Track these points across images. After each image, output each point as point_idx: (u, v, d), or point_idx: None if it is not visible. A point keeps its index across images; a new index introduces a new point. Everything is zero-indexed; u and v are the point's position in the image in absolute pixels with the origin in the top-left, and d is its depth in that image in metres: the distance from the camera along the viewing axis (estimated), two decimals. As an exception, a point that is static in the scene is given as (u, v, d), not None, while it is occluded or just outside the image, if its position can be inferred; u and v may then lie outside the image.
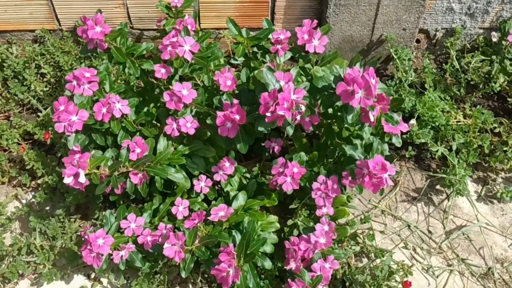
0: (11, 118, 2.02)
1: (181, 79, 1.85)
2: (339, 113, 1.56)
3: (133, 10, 2.16)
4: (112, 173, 1.42)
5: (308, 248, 1.51)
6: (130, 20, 2.20)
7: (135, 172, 1.47)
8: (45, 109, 2.06)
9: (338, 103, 1.46)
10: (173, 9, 1.82)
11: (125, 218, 1.49)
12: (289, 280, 1.46)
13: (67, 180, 1.37)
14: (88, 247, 1.39)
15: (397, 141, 1.66)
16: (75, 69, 2.12)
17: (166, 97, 1.55)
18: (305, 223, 1.64)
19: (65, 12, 2.15)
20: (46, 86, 2.13)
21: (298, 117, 1.43)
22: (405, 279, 1.65)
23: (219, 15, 2.18)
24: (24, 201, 1.87)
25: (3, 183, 1.91)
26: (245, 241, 1.43)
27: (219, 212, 1.52)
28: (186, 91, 1.55)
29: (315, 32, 1.68)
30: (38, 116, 2.11)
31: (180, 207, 1.61)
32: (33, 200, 1.84)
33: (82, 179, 1.38)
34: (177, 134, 1.58)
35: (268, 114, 1.39)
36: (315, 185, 1.58)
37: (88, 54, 2.14)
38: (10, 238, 1.77)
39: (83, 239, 1.73)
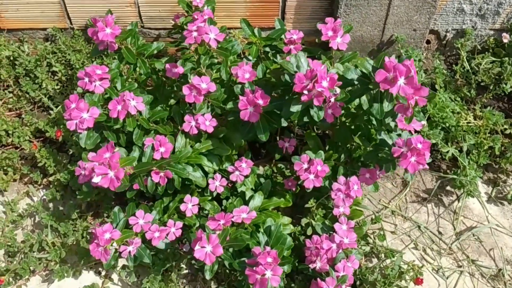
0: (22, 116, 2.04)
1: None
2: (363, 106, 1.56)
3: (144, 9, 2.16)
4: (139, 173, 1.43)
5: (331, 247, 1.51)
6: (141, 19, 2.20)
7: (157, 171, 1.48)
8: (57, 107, 2.07)
9: (365, 97, 1.46)
10: (193, 8, 1.83)
11: (134, 214, 1.49)
12: (318, 279, 1.46)
13: (96, 180, 1.37)
14: (96, 241, 1.40)
15: (407, 135, 1.66)
16: (87, 67, 2.13)
17: (185, 90, 1.56)
18: (321, 223, 1.64)
19: (76, 10, 2.16)
20: (57, 84, 2.14)
21: (332, 99, 1.43)
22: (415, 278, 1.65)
23: (229, 15, 2.19)
24: (35, 198, 1.88)
25: (14, 180, 1.92)
26: (278, 244, 1.44)
27: (242, 213, 1.52)
28: (205, 84, 1.56)
29: (339, 29, 1.69)
30: (50, 114, 2.12)
31: (189, 205, 1.61)
32: (45, 197, 1.85)
33: (115, 181, 1.38)
34: (195, 132, 1.59)
35: (305, 92, 1.40)
36: (335, 185, 1.58)
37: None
38: (21, 235, 1.78)
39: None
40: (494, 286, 1.73)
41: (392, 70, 1.35)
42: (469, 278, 1.75)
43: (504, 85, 2.07)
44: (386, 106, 1.41)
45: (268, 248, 1.39)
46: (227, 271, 1.67)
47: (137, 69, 1.75)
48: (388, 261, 1.74)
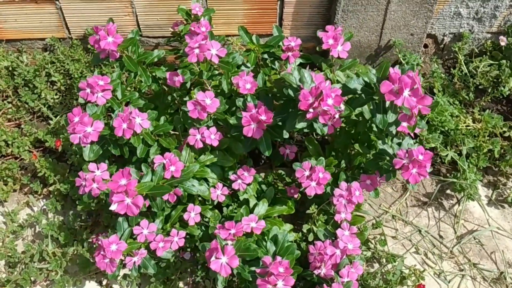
0: (22, 126, 2.04)
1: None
2: (363, 115, 1.57)
3: (142, 18, 2.17)
4: (152, 195, 1.43)
5: (334, 253, 1.51)
6: (139, 28, 2.21)
7: None
8: (56, 116, 2.08)
9: (366, 106, 1.47)
10: (193, 16, 1.84)
11: (138, 224, 1.49)
12: (324, 285, 1.46)
13: (113, 207, 1.37)
14: (102, 252, 1.39)
15: (408, 143, 1.67)
16: (86, 76, 2.14)
17: (190, 106, 1.56)
18: (323, 229, 1.64)
19: (75, 20, 2.16)
20: (56, 94, 2.14)
21: (337, 116, 1.44)
22: (417, 283, 1.65)
23: (227, 22, 2.20)
24: (36, 209, 1.88)
25: (14, 190, 1.92)
26: (287, 253, 1.45)
27: (251, 223, 1.52)
28: (209, 100, 1.56)
29: (340, 37, 1.69)
30: (49, 124, 2.12)
31: (192, 213, 1.61)
32: (45, 207, 1.85)
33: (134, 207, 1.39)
34: (201, 145, 1.59)
35: (310, 110, 1.40)
36: (337, 191, 1.58)
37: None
38: (22, 245, 1.78)
39: (95, 245, 1.75)
40: (496, 289, 1.74)
41: (397, 81, 1.36)
42: (470, 282, 1.75)
43: (503, 88, 2.08)
44: (391, 117, 1.41)
45: (279, 258, 1.39)
46: (232, 279, 1.66)
47: (138, 77, 1.75)
48: (389, 266, 1.74)
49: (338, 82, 1.65)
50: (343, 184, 1.61)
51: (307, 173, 1.59)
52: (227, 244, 1.40)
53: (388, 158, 1.60)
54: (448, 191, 1.97)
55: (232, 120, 1.57)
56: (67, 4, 2.10)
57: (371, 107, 1.52)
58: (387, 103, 1.45)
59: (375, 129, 1.64)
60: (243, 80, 1.64)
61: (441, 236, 1.86)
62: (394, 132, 1.61)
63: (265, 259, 1.42)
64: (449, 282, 1.74)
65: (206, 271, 1.70)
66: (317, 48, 1.72)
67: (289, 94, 1.50)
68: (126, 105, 1.73)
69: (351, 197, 1.59)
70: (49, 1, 2.09)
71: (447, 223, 1.89)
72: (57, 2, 2.10)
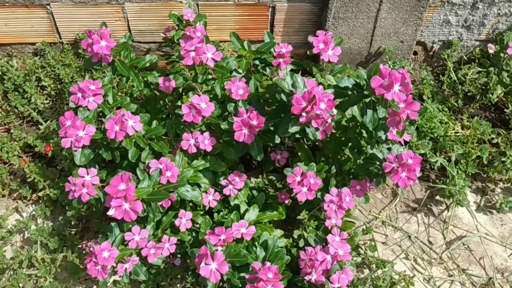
0: (11, 131, 2.02)
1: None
2: (354, 120, 1.58)
3: (134, 23, 2.17)
4: (148, 200, 1.43)
5: (325, 259, 1.52)
6: (130, 33, 2.21)
7: None
8: (46, 121, 2.07)
9: (356, 107, 1.48)
10: (184, 22, 1.84)
11: (129, 230, 1.49)
12: None
13: (111, 212, 1.37)
14: (93, 259, 1.38)
15: (397, 149, 1.68)
16: (76, 81, 2.13)
17: (184, 109, 1.56)
18: (313, 235, 1.65)
19: (66, 25, 2.16)
20: (46, 99, 2.13)
21: (329, 120, 1.45)
22: (408, 289, 1.66)
23: (218, 28, 2.20)
24: (24, 214, 1.86)
25: (3, 196, 1.91)
26: (277, 259, 1.46)
27: (241, 228, 1.52)
28: (204, 104, 1.56)
29: (330, 41, 1.71)
30: (39, 129, 2.11)
31: (183, 220, 1.61)
32: (34, 212, 1.83)
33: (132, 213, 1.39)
34: (194, 150, 1.59)
35: (303, 114, 1.41)
36: (327, 197, 1.59)
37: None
38: (11, 251, 1.76)
39: (84, 251, 1.74)
40: (485, 295, 1.75)
41: (387, 76, 1.37)
42: (459, 287, 1.76)
43: (491, 95, 2.10)
44: (381, 112, 1.43)
45: (268, 264, 1.39)
46: (222, 285, 1.66)
47: (129, 82, 1.75)
48: (379, 271, 1.75)
49: (329, 86, 1.65)
50: (334, 190, 1.61)
51: (298, 178, 1.60)
52: (217, 250, 1.40)
53: (378, 162, 1.61)
54: (437, 197, 1.98)
55: (224, 125, 1.57)
56: (58, 9, 2.10)
57: (361, 106, 1.54)
58: (377, 100, 1.47)
59: (365, 134, 1.65)
60: (235, 86, 1.65)
61: (430, 242, 1.87)
62: (383, 137, 1.63)
63: (254, 265, 1.42)
64: (438, 288, 1.75)
65: (196, 277, 1.69)
66: (308, 53, 1.74)
67: (282, 99, 1.51)
68: (118, 109, 1.73)
69: (342, 203, 1.60)
70: (40, 6, 2.08)
71: (436, 229, 1.90)
72: (48, 6, 2.09)
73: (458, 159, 1.98)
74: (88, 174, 1.58)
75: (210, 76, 1.77)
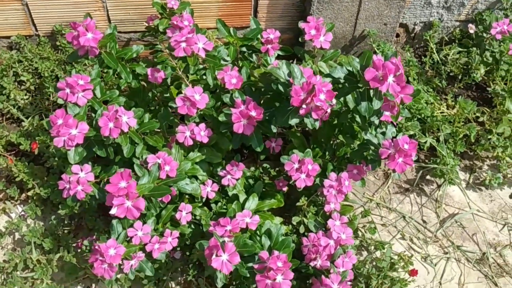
0: (-8, 129, 1.94)
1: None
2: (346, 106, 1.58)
3: (114, 12, 2.11)
4: (149, 196, 1.39)
5: (328, 244, 1.52)
6: (110, 23, 2.14)
7: None
8: (27, 118, 1.99)
9: (351, 96, 1.48)
10: (168, 10, 1.79)
11: (131, 226, 1.45)
12: (322, 277, 1.46)
13: (113, 211, 1.32)
14: (100, 258, 1.34)
15: (391, 131, 1.69)
16: (57, 75, 2.06)
17: (178, 102, 1.52)
18: (313, 220, 1.65)
19: (42, 17, 2.07)
20: (26, 94, 2.05)
21: (329, 110, 1.44)
22: (407, 269, 1.69)
23: (202, 15, 2.16)
24: (13, 215, 1.80)
25: (-12, 197, 1.83)
26: (283, 247, 1.45)
27: (245, 218, 1.50)
28: (198, 96, 1.53)
29: (321, 27, 1.69)
30: (20, 126, 2.03)
31: (184, 212, 1.58)
32: (23, 213, 1.77)
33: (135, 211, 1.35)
34: (191, 143, 1.55)
35: (304, 106, 1.39)
36: (327, 182, 1.59)
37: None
38: (1, 254, 1.70)
39: (79, 250, 1.69)
40: (480, 269, 1.79)
41: (381, 68, 1.37)
42: (455, 264, 1.80)
43: (475, 75, 2.14)
44: (376, 104, 1.43)
45: (276, 252, 1.38)
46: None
47: (117, 74, 1.70)
48: (377, 253, 1.77)
49: (321, 73, 1.65)
50: (333, 175, 1.62)
51: (296, 165, 1.59)
52: (224, 241, 1.38)
53: (373, 147, 1.62)
54: (428, 177, 2.02)
55: (221, 117, 1.54)
56: (34, 0, 2.01)
57: (355, 96, 1.53)
58: (371, 91, 1.47)
59: (358, 119, 1.65)
60: (228, 75, 1.62)
61: (424, 221, 1.90)
62: (377, 122, 1.64)
63: (262, 254, 1.41)
64: (435, 266, 1.79)
65: (198, 270, 1.67)
66: (300, 39, 1.72)
67: (278, 89, 1.49)
68: (105, 103, 1.68)
69: (341, 187, 1.60)
70: (14, -3, 1.99)
71: (429, 208, 1.94)
72: (22, -2, 2.00)
73: (446, 139, 2.02)
74: (82, 171, 1.54)
75: (201, 66, 1.74)
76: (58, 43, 2.13)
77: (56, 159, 1.77)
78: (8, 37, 2.12)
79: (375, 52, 2.28)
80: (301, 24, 1.70)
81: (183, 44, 1.51)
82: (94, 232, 1.74)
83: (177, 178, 1.45)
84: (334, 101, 1.46)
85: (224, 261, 1.34)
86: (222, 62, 1.87)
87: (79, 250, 1.70)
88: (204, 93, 1.56)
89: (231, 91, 1.63)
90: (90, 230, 1.75)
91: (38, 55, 2.09)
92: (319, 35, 1.68)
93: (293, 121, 1.44)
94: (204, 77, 1.78)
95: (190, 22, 1.67)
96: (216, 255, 1.33)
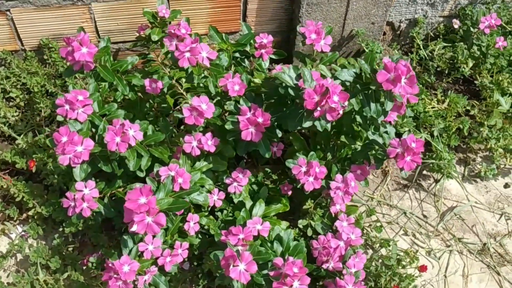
0: (-16, 149, 1.89)
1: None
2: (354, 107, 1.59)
3: (102, 23, 2.07)
4: (166, 210, 1.37)
5: (338, 245, 1.53)
6: (98, 34, 2.11)
7: None
8: (19, 135, 1.94)
9: (355, 98, 1.49)
10: (159, 19, 1.77)
11: (141, 240, 1.43)
12: (337, 279, 1.47)
13: (134, 228, 1.30)
14: (115, 275, 1.32)
15: (393, 131, 1.71)
16: (48, 90, 2.02)
17: (186, 112, 1.51)
18: (319, 222, 1.66)
19: (28, 31, 2.03)
20: (15, 111, 2.00)
21: (341, 112, 1.44)
22: (413, 264, 1.71)
23: (192, 22, 2.13)
24: (13, 236, 1.75)
25: (-15, 219, 1.78)
26: (296, 252, 1.46)
27: (256, 225, 1.50)
28: (205, 105, 1.52)
29: (321, 31, 1.70)
30: (11, 144, 1.99)
31: (191, 223, 1.57)
32: (23, 233, 1.73)
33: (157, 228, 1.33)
34: (198, 153, 1.54)
35: (318, 108, 1.40)
36: (333, 184, 1.60)
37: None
38: (5, 277, 1.66)
39: (84, 267, 1.66)
40: (482, 260, 1.83)
41: (392, 70, 1.39)
42: (458, 256, 1.84)
43: (463, 69, 2.18)
44: (388, 105, 1.45)
45: (291, 258, 1.39)
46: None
47: (114, 87, 1.68)
48: (382, 250, 1.79)
49: (323, 76, 1.65)
50: (339, 176, 1.63)
51: (303, 169, 1.60)
52: (238, 250, 1.38)
53: (377, 147, 1.64)
54: (425, 172, 2.05)
55: (228, 125, 1.53)
56: (19, 14, 1.97)
57: (360, 98, 1.55)
58: (381, 93, 1.49)
59: (359, 119, 1.67)
60: (231, 82, 1.62)
61: (425, 216, 1.93)
62: (379, 122, 1.66)
63: (276, 261, 1.41)
64: (439, 259, 1.82)
65: (208, 279, 1.67)
66: (301, 43, 1.73)
67: (287, 93, 1.49)
68: (103, 117, 1.65)
69: (348, 188, 1.61)
70: (-1, 12, 1.94)
71: (428, 203, 1.97)
72: (8, 13, 1.95)
73: (440, 133, 2.05)
74: (86, 187, 1.51)
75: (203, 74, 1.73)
76: (45, 57, 2.09)
77: (55, 176, 1.73)
78: (-7, 53, 2.07)
79: (362, 52, 2.31)
80: (301, 29, 1.71)
81: (187, 54, 1.50)
82: (98, 248, 1.72)
83: (191, 190, 1.44)
84: (346, 103, 1.47)
85: (241, 271, 1.34)
86: (230, 72, 1.87)
87: (84, 268, 1.67)
88: (210, 102, 1.56)
89: (234, 98, 1.62)
90: (94, 246, 1.73)
91: (26, 70, 2.04)
92: (320, 39, 1.69)
93: (307, 124, 1.45)
94: (202, 85, 1.78)
95: (187, 30, 1.66)
96: (234, 265, 1.33)
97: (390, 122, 1.74)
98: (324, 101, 1.39)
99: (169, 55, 1.59)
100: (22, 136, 1.92)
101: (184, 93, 1.90)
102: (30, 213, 1.72)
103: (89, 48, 1.56)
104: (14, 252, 1.71)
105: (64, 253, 1.68)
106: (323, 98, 1.39)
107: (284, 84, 1.51)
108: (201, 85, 1.78)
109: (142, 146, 1.52)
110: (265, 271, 1.42)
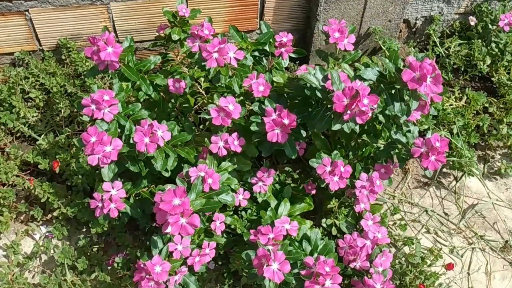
0: (6, 150, 1.88)
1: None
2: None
3: (119, 23, 2.07)
4: (199, 211, 1.37)
5: (365, 244, 1.53)
6: (116, 34, 2.11)
7: None
8: (39, 135, 1.94)
9: (382, 97, 1.49)
10: (179, 18, 1.77)
11: (169, 240, 1.43)
12: (365, 278, 1.47)
13: (168, 229, 1.30)
14: (147, 276, 1.32)
15: (416, 130, 1.71)
16: (67, 90, 2.02)
17: (213, 113, 1.51)
18: (345, 222, 1.66)
19: (46, 31, 2.02)
20: (35, 112, 2.00)
21: (370, 114, 1.44)
22: (438, 262, 1.72)
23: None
24: (37, 236, 1.75)
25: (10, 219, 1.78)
26: (326, 251, 1.46)
27: (284, 224, 1.50)
28: (232, 106, 1.52)
29: (345, 30, 1.70)
30: (31, 144, 1.99)
31: (217, 222, 1.57)
32: (48, 234, 1.73)
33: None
34: (225, 153, 1.54)
35: (348, 112, 1.40)
36: (358, 183, 1.60)
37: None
38: (30, 278, 1.66)
39: (109, 267, 1.67)
40: (504, 257, 1.84)
41: (417, 69, 1.39)
42: (481, 254, 1.84)
43: (481, 66, 2.18)
44: (414, 104, 1.44)
45: (322, 258, 1.39)
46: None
47: (137, 87, 1.67)
48: (406, 248, 1.80)
49: (350, 77, 1.65)
50: (364, 175, 1.63)
51: (328, 168, 1.60)
52: (269, 249, 1.38)
53: (400, 146, 1.64)
54: (445, 170, 2.05)
55: (253, 127, 1.53)
56: (37, 15, 1.96)
57: (384, 97, 1.55)
58: (405, 92, 1.48)
59: (381, 118, 1.67)
60: (255, 83, 1.61)
61: (446, 214, 1.94)
62: (402, 121, 1.66)
63: (307, 260, 1.42)
64: (461, 257, 1.82)
65: (234, 279, 1.67)
66: (325, 42, 1.72)
67: (313, 94, 1.49)
68: (128, 117, 1.65)
69: (373, 187, 1.61)
70: (18, 13, 1.94)
71: (449, 200, 1.97)
72: (26, 13, 1.95)
73: (459, 131, 2.05)
74: (113, 188, 1.52)
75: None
76: (63, 57, 2.08)
77: (80, 177, 1.73)
78: (11, 54, 2.06)
79: (379, 49, 2.31)
80: (325, 28, 1.70)
81: (215, 55, 1.50)
82: (122, 248, 1.72)
83: (221, 190, 1.44)
84: (375, 105, 1.46)
85: (275, 270, 1.34)
86: (254, 72, 1.86)
87: (109, 268, 1.67)
88: (237, 103, 1.56)
89: (259, 98, 1.62)
90: (118, 246, 1.73)
91: (44, 70, 2.04)
92: (343, 38, 1.69)
93: (336, 127, 1.45)
94: (223, 84, 1.77)
95: (210, 31, 1.66)
96: (267, 265, 1.33)
97: (413, 121, 1.74)
98: (354, 104, 1.39)
99: (196, 56, 1.58)
100: (42, 136, 1.92)
101: (204, 92, 1.90)
102: (55, 213, 1.72)
103: (115, 48, 1.56)
104: (39, 253, 1.71)
105: (89, 254, 1.68)
106: (353, 102, 1.39)
107: (309, 85, 1.51)
108: (223, 84, 1.78)
109: (169, 146, 1.52)
110: (295, 270, 1.43)
